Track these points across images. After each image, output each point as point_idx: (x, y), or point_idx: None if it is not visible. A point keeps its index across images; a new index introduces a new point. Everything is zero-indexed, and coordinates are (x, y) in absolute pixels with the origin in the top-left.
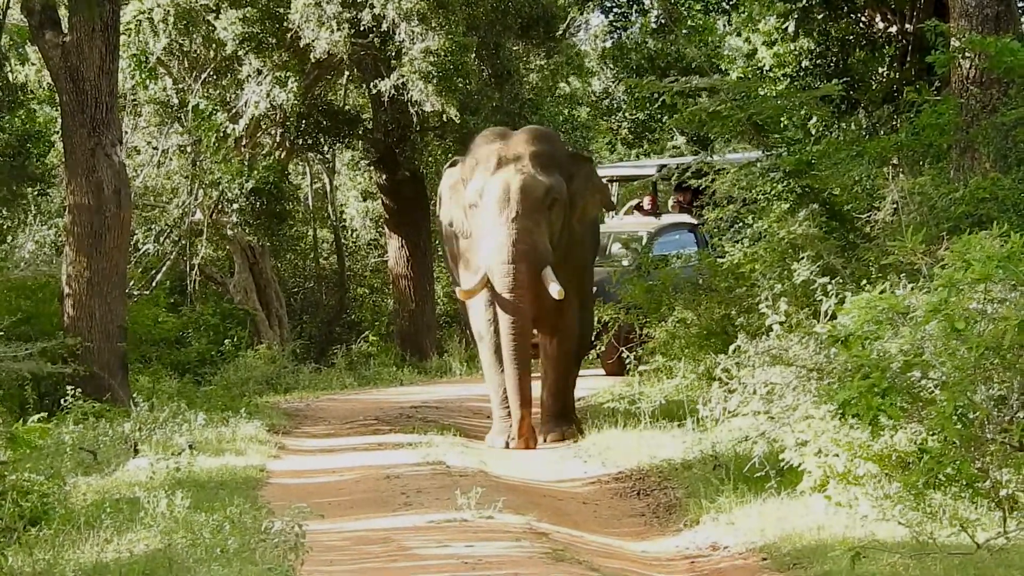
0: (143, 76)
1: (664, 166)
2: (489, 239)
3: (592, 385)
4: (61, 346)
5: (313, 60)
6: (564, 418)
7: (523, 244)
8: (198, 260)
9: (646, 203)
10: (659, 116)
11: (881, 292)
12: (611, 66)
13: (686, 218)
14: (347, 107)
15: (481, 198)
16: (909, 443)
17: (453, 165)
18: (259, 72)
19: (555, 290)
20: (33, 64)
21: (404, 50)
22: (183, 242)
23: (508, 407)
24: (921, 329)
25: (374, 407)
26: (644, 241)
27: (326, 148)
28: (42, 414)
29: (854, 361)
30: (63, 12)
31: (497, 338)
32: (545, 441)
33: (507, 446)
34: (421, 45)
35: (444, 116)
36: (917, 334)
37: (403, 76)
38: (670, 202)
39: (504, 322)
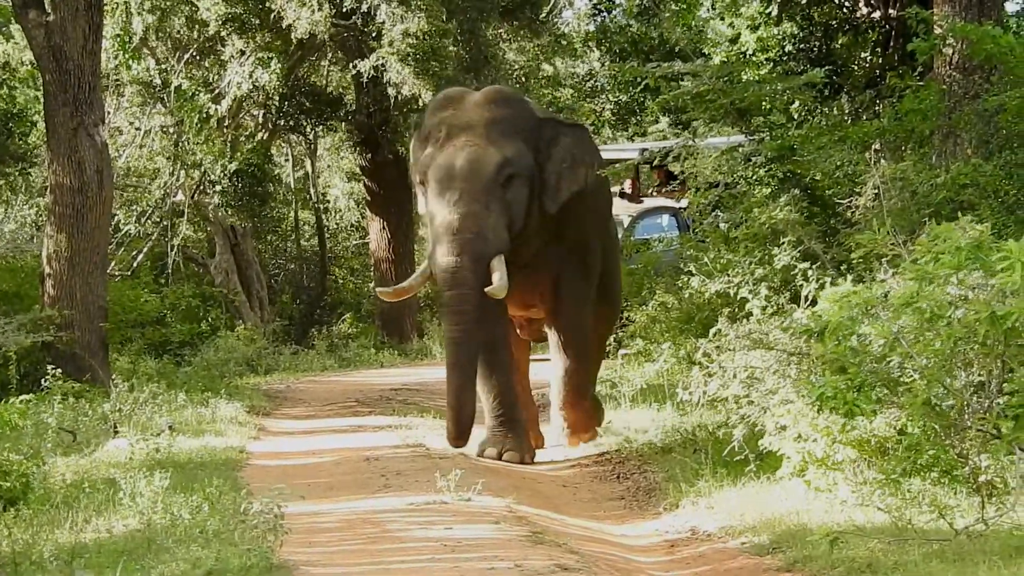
0: (126, 56)
1: (646, 150)
2: (433, 227)
3: None
4: (43, 320)
5: (295, 41)
6: (571, 421)
7: (467, 232)
8: (179, 241)
9: (627, 187)
10: (642, 99)
11: (857, 282)
12: (594, 49)
13: (668, 202)
14: (330, 88)
15: (427, 177)
16: (888, 428)
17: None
18: (242, 53)
19: (495, 284)
20: (16, 43)
21: (384, 31)
22: (164, 223)
23: (501, 415)
24: (895, 320)
25: (354, 389)
26: (626, 225)
27: (309, 129)
28: (26, 396)
29: (830, 356)
30: None
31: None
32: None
33: (500, 458)
34: (401, 27)
35: (420, 100)
36: (892, 326)
37: (382, 58)
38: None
39: (445, 324)
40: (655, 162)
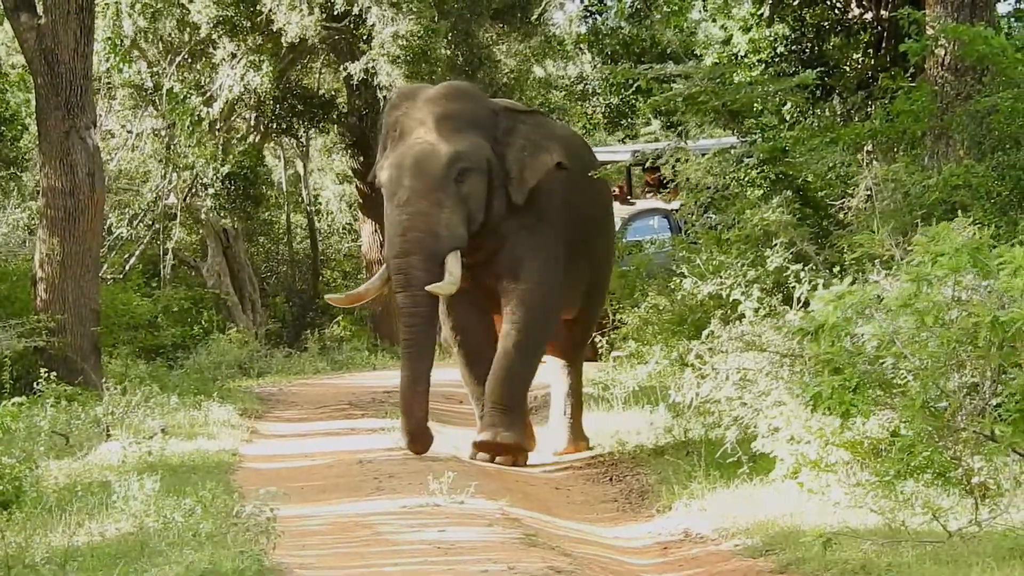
0: (118, 59)
1: (637, 151)
2: (387, 228)
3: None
4: (35, 324)
5: (287, 44)
6: (503, 419)
7: (416, 232)
8: (171, 244)
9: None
10: (634, 101)
11: (852, 282)
12: (585, 51)
13: (660, 204)
14: (321, 91)
15: (381, 178)
16: (881, 430)
17: None
18: (233, 56)
19: (443, 281)
20: (5, 46)
21: (375, 34)
22: (157, 226)
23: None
24: (891, 322)
25: (347, 392)
26: (619, 227)
27: (301, 132)
28: (20, 398)
29: (825, 355)
30: None
31: (462, 346)
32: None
33: (493, 460)
34: (391, 29)
35: None
36: (888, 326)
37: (372, 60)
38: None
39: (402, 326)
40: (646, 164)
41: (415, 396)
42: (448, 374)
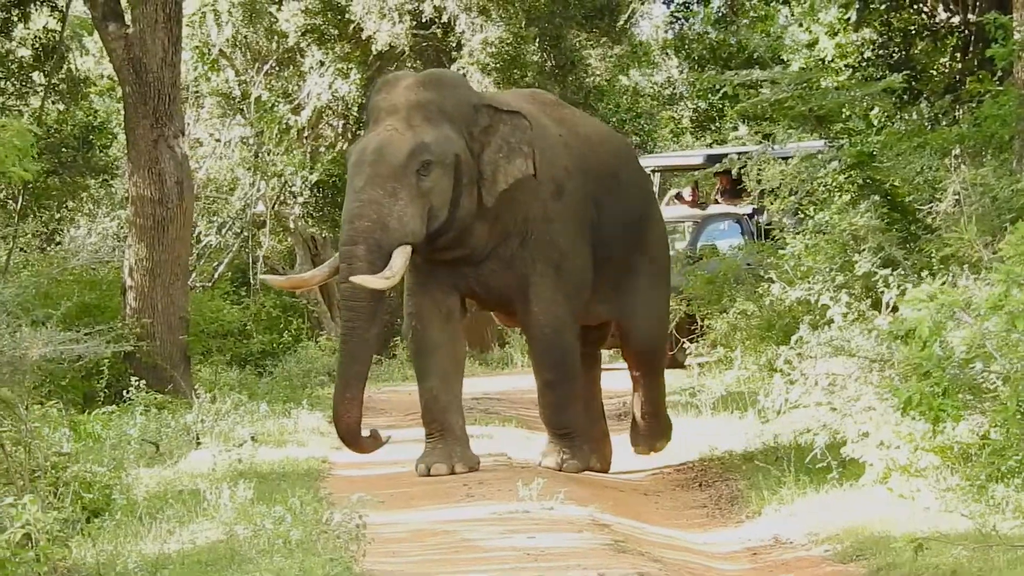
0: (205, 68)
1: (710, 155)
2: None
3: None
4: (125, 331)
5: (375, 52)
6: (566, 445)
7: (364, 220)
8: (260, 252)
9: (686, 193)
10: (721, 106)
11: (942, 284)
12: (672, 56)
13: (731, 208)
14: None
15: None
16: (971, 434)
17: None
18: (321, 64)
19: (376, 275)
20: (93, 56)
21: (464, 41)
22: (245, 234)
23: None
24: (982, 324)
25: None
26: (692, 231)
27: None
28: (111, 407)
29: (915, 359)
30: (125, 4)
31: (415, 336)
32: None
33: (428, 473)
34: (480, 36)
35: None
36: (978, 329)
37: (462, 68)
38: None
39: (340, 319)
40: (733, 169)
41: (343, 405)
42: (528, 381)
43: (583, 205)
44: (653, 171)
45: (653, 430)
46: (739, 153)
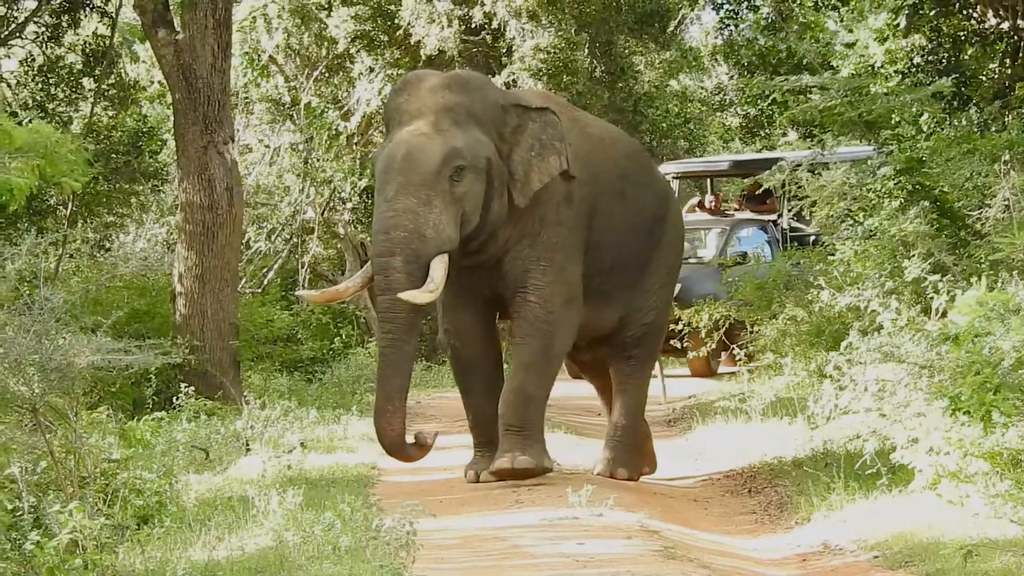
0: (255, 74)
1: (737, 162)
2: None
3: (692, 386)
4: (175, 343)
5: (424, 57)
6: (518, 442)
7: (400, 231)
8: (309, 258)
9: (708, 200)
10: (771, 112)
11: (991, 289)
12: (721, 62)
13: (757, 215)
14: None
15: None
16: (1021, 440)
17: None
18: (371, 70)
19: (423, 288)
20: (144, 62)
21: (514, 47)
22: (294, 240)
23: (476, 433)
24: None
25: None
26: (720, 238)
27: None
28: (160, 413)
29: (966, 358)
30: (175, 10)
31: (457, 352)
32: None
33: (477, 480)
34: (531, 42)
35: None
36: None
37: (513, 74)
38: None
39: (378, 332)
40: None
41: (385, 418)
42: (582, 388)
43: (584, 220)
44: (677, 177)
45: (623, 445)
46: (768, 160)
